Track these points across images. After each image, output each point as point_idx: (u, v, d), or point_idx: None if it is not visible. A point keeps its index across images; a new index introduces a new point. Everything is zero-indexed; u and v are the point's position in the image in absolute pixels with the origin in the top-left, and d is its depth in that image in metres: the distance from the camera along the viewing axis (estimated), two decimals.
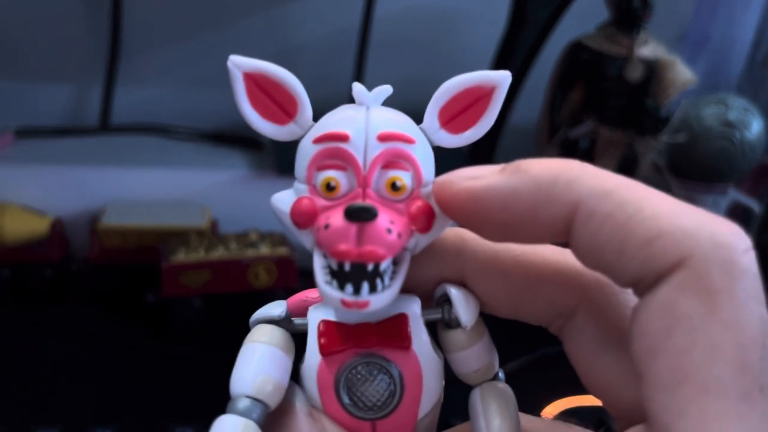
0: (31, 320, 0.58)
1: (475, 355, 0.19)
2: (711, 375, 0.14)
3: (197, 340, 0.57)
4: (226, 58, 0.18)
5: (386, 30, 0.73)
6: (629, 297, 0.17)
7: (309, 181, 0.18)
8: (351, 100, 0.19)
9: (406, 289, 0.18)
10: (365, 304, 0.17)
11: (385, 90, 0.18)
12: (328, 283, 0.17)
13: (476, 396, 0.19)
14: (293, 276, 0.59)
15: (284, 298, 0.19)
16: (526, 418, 0.20)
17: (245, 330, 0.19)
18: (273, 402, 0.17)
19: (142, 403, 0.51)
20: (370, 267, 0.16)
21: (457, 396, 0.20)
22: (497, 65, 0.63)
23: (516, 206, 0.16)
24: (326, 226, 0.17)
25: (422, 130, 0.18)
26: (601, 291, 0.18)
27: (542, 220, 0.16)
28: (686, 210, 0.15)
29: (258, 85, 0.18)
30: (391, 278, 0.17)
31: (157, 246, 0.59)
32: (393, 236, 0.16)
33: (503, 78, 0.18)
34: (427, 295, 0.19)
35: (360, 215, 0.16)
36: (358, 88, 0.18)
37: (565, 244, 0.17)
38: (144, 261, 0.60)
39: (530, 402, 0.19)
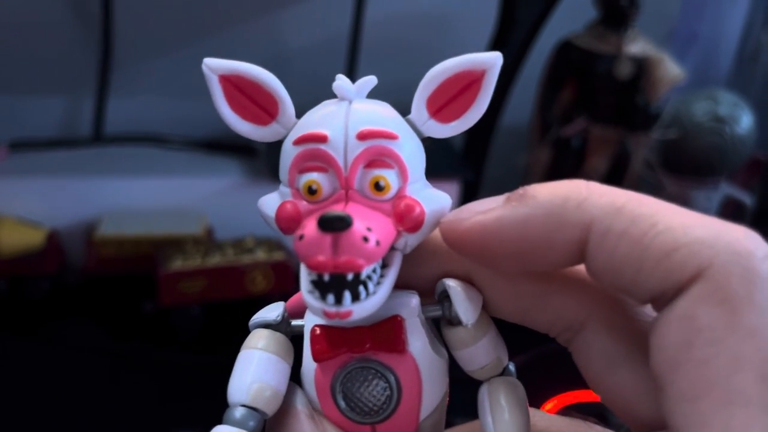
0: (30, 332, 0.58)
1: (482, 352, 0.18)
2: (734, 385, 0.13)
3: (196, 348, 0.57)
4: None
5: (376, 33, 0.73)
6: (640, 311, 0.17)
7: (292, 184, 0.17)
8: None
9: (407, 285, 0.17)
10: (347, 314, 0.15)
11: (369, 81, 0.17)
12: (311, 292, 0.16)
13: (484, 392, 0.18)
14: (290, 280, 0.59)
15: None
16: (546, 418, 0.19)
17: (244, 336, 0.18)
18: (270, 409, 0.17)
19: (142, 411, 0.51)
20: (350, 276, 0.15)
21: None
22: None
23: (530, 234, 0.16)
24: (301, 237, 0.16)
25: (410, 121, 0.17)
26: (610, 306, 0.17)
27: (557, 245, 0.16)
28: (701, 220, 0.15)
29: (236, 86, 0.17)
30: (378, 283, 0.16)
31: (154, 255, 0.59)
32: (370, 244, 0.15)
33: (494, 59, 0.17)
34: (430, 291, 0.18)
35: (332, 225, 0.15)
36: (339, 81, 0.17)
37: None
38: (141, 270, 0.60)
39: (530, 398, 0.19)
